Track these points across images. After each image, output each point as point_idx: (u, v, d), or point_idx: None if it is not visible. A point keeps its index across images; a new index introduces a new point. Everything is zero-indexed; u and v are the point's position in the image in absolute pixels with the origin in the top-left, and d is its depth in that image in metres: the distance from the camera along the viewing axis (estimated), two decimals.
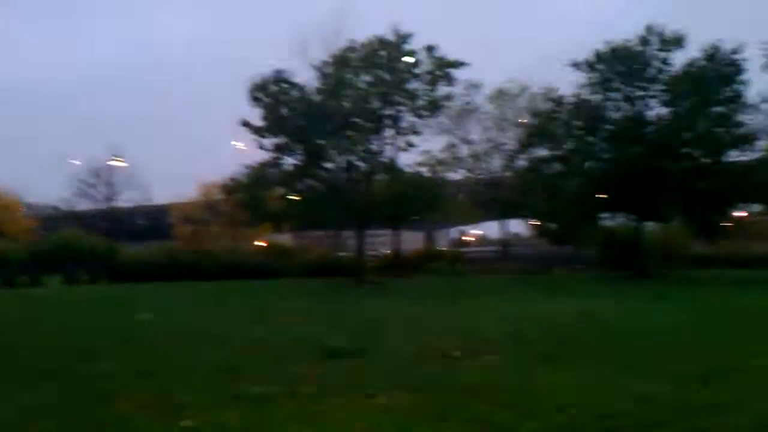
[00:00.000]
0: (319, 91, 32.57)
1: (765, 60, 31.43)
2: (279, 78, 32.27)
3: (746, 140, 32.33)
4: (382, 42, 32.69)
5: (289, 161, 33.29)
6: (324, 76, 32.66)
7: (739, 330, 11.79)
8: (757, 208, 46.05)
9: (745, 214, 46.90)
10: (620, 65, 33.73)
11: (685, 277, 31.49)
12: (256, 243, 49.23)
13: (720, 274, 32.94)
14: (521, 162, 37.53)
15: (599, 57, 34.18)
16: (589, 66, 34.48)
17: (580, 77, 34.99)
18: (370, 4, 48.26)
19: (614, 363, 8.95)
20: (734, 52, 32.56)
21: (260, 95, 32.25)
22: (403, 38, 32.95)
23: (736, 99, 32.82)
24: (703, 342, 10.54)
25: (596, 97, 34.82)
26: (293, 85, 32.46)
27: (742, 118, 32.90)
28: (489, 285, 28.60)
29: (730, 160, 33.47)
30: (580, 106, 34.69)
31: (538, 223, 46.05)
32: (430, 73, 33.17)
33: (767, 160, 32.74)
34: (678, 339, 10.91)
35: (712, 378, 7.72)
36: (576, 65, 34.76)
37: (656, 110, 34.70)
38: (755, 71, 32.59)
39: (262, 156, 33.44)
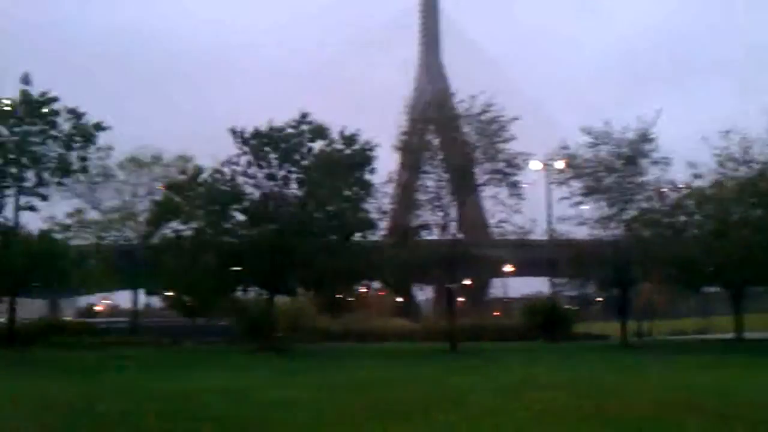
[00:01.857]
0: None
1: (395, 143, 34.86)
2: None
3: (369, 224, 35.19)
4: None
5: None
6: None
7: (361, 403, 12.41)
8: (376, 284, 50.54)
9: (366, 290, 51.19)
10: (270, 145, 34.81)
11: (311, 351, 32.91)
12: None
13: (343, 348, 34.98)
14: (156, 233, 36.53)
15: (256, 134, 35.01)
16: (243, 141, 35.04)
17: (224, 152, 35.36)
18: None
19: None
20: (367, 143, 35.51)
21: None
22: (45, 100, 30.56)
23: (365, 186, 35.63)
24: (331, 418, 10.89)
25: (238, 174, 35.30)
26: None
27: (369, 203, 35.71)
28: (110, 359, 26.90)
29: (357, 240, 36.05)
30: (217, 181, 34.98)
31: (172, 294, 45.19)
32: (67, 135, 30.99)
33: (386, 243, 36.22)
34: (309, 413, 11.21)
35: None
36: (235, 135, 35.08)
37: (295, 191, 36.13)
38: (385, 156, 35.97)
39: None
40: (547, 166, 39.64)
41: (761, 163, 30.66)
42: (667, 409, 11.00)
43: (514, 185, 33.66)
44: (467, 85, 37.08)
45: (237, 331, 43.09)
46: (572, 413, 10.98)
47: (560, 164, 37.76)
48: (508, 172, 33.50)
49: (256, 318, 38.08)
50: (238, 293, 38.89)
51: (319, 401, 13.02)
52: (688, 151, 33.88)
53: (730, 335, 42.99)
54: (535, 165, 40.93)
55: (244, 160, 35.35)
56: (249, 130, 35.15)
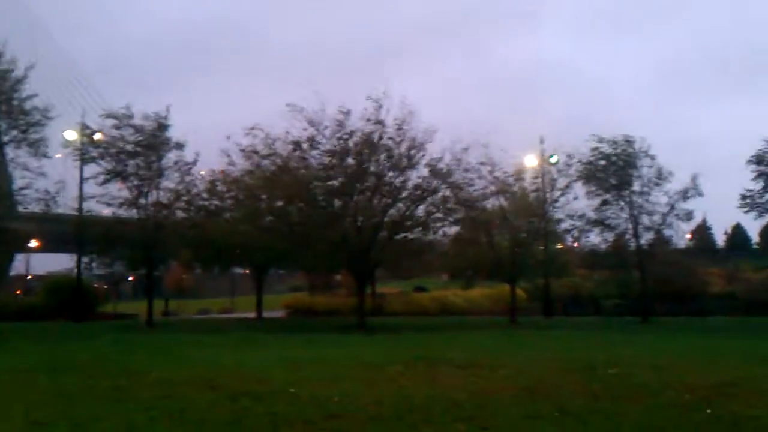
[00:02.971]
0: None
1: None
2: None
3: None
4: None
5: None
6: None
7: None
8: None
9: None
10: None
11: None
12: None
13: None
14: None
15: None
16: None
17: None
18: None
19: None
20: None
21: None
22: None
23: None
24: None
25: None
26: None
27: None
28: None
29: None
30: None
31: None
32: None
33: None
34: None
35: None
36: None
37: None
38: None
39: None
40: (82, 138, 38.02)
41: (283, 158, 33.19)
42: (184, 386, 11.16)
43: (35, 144, 31.36)
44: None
45: None
46: (88, 393, 10.54)
47: (97, 136, 36.75)
48: (27, 128, 31.04)
49: None
50: None
51: None
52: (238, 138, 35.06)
53: (251, 314, 46.08)
54: (69, 135, 38.88)
55: None
56: None
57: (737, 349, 18.98)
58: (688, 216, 40.04)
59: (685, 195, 39.21)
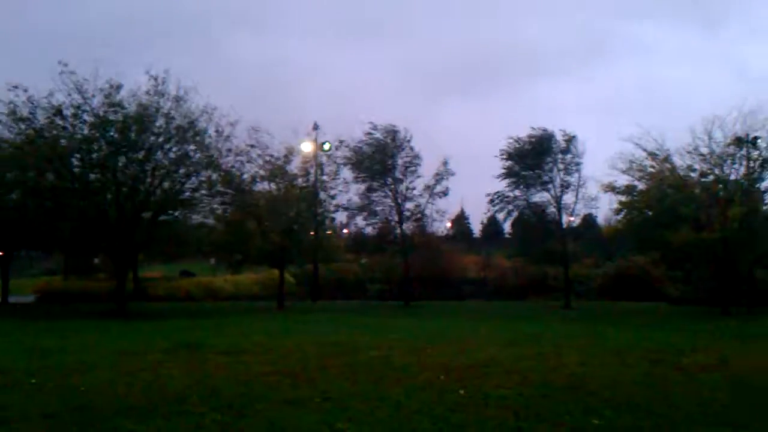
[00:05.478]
0: None
1: None
2: None
3: None
4: None
5: None
6: None
7: None
8: None
9: None
10: None
11: None
12: None
13: None
14: None
15: None
16: None
17: None
18: None
19: None
20: None
21: None
22: None
23: None
24: None
25: None
26: None
27: None
28: None
29: None
30: None
31: None
32: None
33: None
34: None
35: None
36: None
37: None
38: None
39: None
40: None
41: (42, 123, 30.30)
42: None
43: None
44: None
45: None
46: None
47: None
48: None
49: None
50: None
51: None
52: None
53: None
54: None
55: None
56: None
57: (487, 331, 20.32)
58: (444, 193, 42.11)
59: (438, 178, 41.60)
